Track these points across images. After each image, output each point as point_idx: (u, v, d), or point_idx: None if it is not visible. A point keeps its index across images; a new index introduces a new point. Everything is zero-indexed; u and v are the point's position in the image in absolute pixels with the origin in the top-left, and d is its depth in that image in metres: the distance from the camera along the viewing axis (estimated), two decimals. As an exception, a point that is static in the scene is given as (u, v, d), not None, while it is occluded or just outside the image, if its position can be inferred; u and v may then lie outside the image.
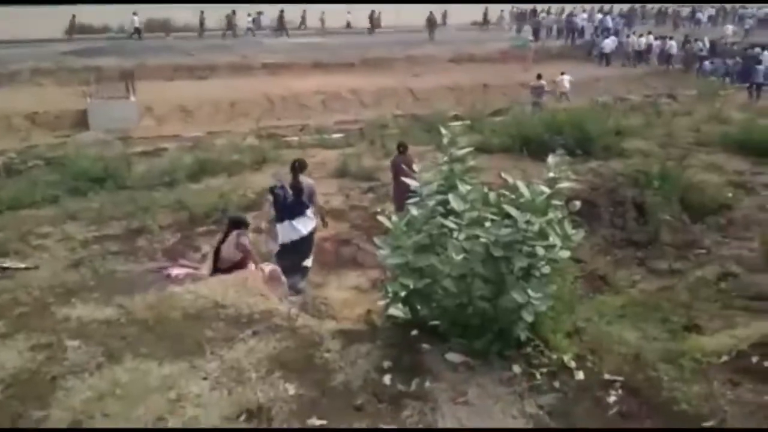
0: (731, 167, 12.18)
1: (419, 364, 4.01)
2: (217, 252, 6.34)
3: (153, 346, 4.35)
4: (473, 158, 4.56)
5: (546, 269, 4.05)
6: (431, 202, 4.22)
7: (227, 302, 5.12)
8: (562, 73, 20.25)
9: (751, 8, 41.65)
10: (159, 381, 3.87)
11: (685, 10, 42.67)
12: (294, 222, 7.28)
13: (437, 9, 39.00)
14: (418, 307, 4.39)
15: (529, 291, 3.79)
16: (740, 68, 25.32)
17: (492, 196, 4.30)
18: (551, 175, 4.16)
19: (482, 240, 3.99)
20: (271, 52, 27.97)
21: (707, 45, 28.96)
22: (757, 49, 26.05)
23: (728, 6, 44.04)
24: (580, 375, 3.94)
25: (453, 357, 4.05)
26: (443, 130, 4.38)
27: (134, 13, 31.01)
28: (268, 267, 6.31)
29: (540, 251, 3.92)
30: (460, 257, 3.94)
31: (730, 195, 10.79)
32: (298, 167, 7.38)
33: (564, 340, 4.24)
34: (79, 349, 4.30)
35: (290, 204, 7.25)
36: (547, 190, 4.02)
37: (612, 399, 3.77)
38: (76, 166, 11.05)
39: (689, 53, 28.47)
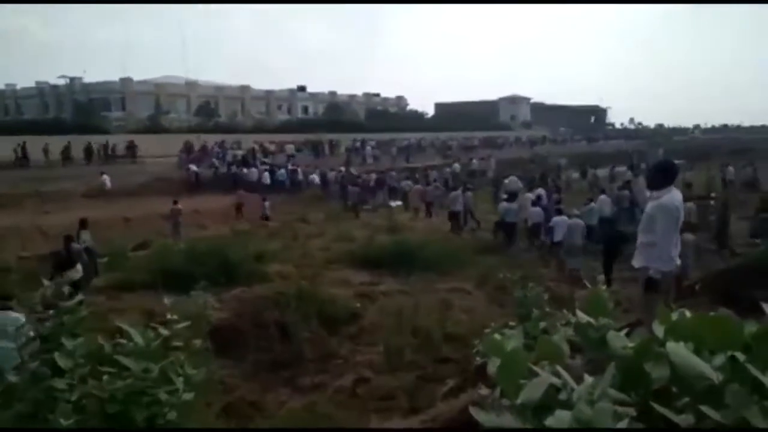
0: (357, 280, 13.81)
1: None
2: None
3: None
4: (115, 298, 4.32)
5: (172, 415, 3.93)
6: (35, 364, 3.79)
7: None
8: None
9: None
10: None
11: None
12: None
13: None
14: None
15: (151, 444, 3.61)
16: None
17: (107, 346, 4.06)
18: (169, 316, 4.15)
19: (98, 397, 3.71)
20: None
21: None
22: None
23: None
24: None
25: None
26: (46, 283, 4.03)
27: None
28: None
29: (163, 397, 3.80)
30: (69, 422, 3.57)
31: (358, 305, 12.13)
32: None
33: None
34: None
35: None
36: (165, 332, 3.98)
37: None
38: None
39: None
